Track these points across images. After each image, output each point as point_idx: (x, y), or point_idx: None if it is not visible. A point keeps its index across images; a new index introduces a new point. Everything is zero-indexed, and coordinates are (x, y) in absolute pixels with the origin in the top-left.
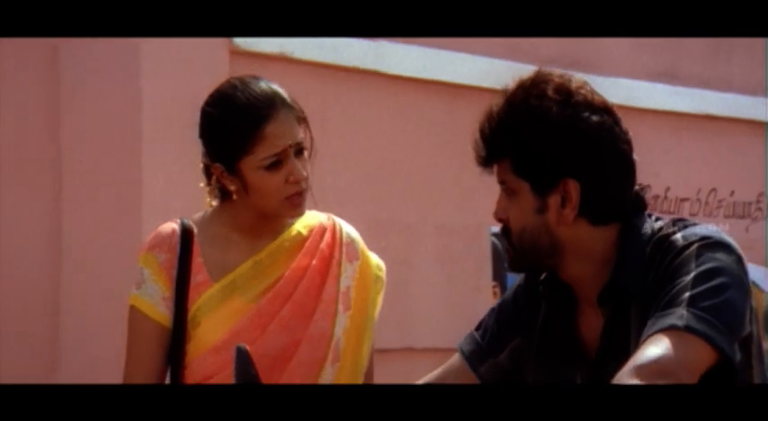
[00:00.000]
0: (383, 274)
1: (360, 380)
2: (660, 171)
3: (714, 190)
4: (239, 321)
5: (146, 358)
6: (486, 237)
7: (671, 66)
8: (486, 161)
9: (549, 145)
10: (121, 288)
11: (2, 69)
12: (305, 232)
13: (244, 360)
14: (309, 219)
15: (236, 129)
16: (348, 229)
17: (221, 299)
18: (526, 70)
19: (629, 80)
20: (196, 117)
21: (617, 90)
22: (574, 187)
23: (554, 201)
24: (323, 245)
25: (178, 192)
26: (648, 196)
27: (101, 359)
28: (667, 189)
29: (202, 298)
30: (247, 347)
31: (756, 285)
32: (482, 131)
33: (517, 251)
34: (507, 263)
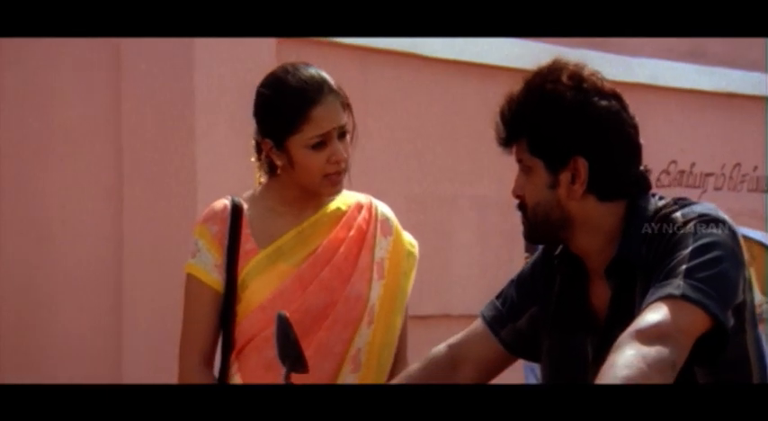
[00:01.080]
0: (416, 251)
1: (394, 343)
2: (686, 147)
3: (738, 165)
4: (283, 283)
5: (201, 319)
6: (518, 212)
7: (696, 45)
8: (505, 141)
9: (561, 126)
10: (179, 260)
11: (69, 62)
12: (344, 208)
13: (284, 324)
14: (348, 198)
15: (286, 109)
16: (383, 208)
17: (267, 264)
18: (556, 51)
19: (656, 60)
20: (245, 101)
21: (644, 70)
22: (582, 165)
23: (565, 177)
24: (360, 220)
25: (229, 173)
26: (674, 171)
27: (161, 325)
28: (693, 164)
29: (250, 264)
30: (287, 314)
31: (764, 245)
32: (502, 114)
33: (532, 224)
34: (524, 235)
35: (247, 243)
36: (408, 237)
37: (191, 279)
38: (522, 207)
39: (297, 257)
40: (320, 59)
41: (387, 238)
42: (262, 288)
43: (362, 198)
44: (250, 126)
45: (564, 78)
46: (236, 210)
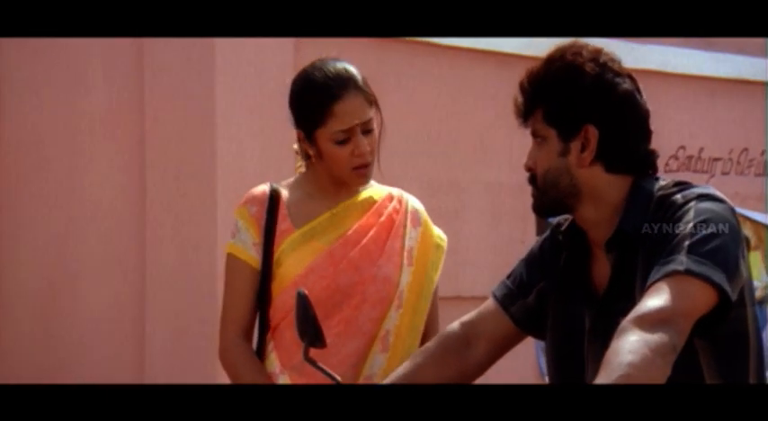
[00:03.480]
0: (444, 244)
1: (420, 328)
2: (695, 132)
3: (746, 150)
4: (315, 259)
5: (240, 295)
6: (530, 196)
7: None
8: (523, 113)
9: (576, 94)
10: (198, 239)
11: (95, 53)
12: (375, 197)
13: (303, 302)
14: (381, 190)
15: (311, 104)
16: (413, 201)
17: (302, 242)
18: (569, 39)
19: (665, 46)
20: (264, 92)
21: (655, 56)
22: (593, 133)
23: (575, 146)
24: (390, 209)
25: (247, 160)
26: (682, 157)
27: (183, 307)
28: (701, 149)
29: (286, 242)
30: (306, 292)
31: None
32: (521, 85)
33: (540, 190)
34: (532, 207)
35: (284, 223)
36: (438, 231)
37: (230, 257)
38: (532, 179)
39: (329, 237)
40: (337, 49)
41: (416, 229)
42: (295, 264)
43: (394, 191)
44: (269, 117)
45: (584, 52)
46: (274, 194)
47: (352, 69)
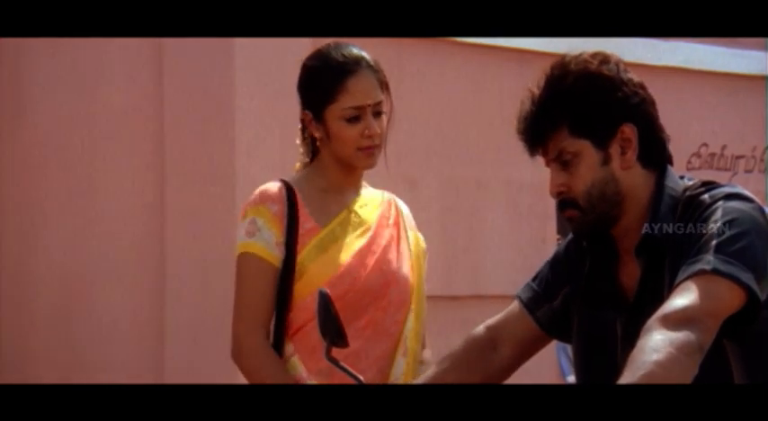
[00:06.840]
0: (425, 246)
1: (423, 334)
2: (717, 129)
3: None
4: (346, 262)
5: (263, 296)
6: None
7: None
8: (541, 137)
9: (603, 95)
10: (218, 238)
11: (114, 48)
12: (379, 198)
13: (324, 301)
14: (373, 192)
15: (324, 77)
16: (403, 205)
17: (331, 241)
18: (588, 39)
19: (688, 43)
20: (282, 87)
21: (678, 53)
22: (631, 130)
23: (615, 149)
24: (393, 211)
25: (266, 158)
26: (705, 154)
27: (203, 302)
28: (724, 147)
29: (312, 242)
30: (328, 291)
31: None
32: (532, 112)
33: (586, 210)
34: (572, 230)
35: (307, 222)
36: (419, 234)
37: (249, 257)
38: (565, 202)
39: (353, 235)
40: (357, 45)
41: (411, 232)
42: (324, 267)
43: (386, 194)
44: (288, 117)
45: (587, 56)
46: (290, 190)
47: (365, 51)
